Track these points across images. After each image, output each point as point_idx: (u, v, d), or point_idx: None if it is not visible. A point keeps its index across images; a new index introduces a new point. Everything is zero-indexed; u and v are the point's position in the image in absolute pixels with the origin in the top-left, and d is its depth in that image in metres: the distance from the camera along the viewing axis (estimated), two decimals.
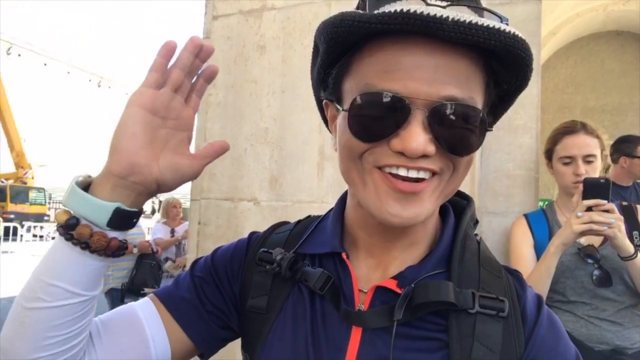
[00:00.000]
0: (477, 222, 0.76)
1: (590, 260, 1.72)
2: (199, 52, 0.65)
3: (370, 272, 0.69)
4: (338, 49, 0.60)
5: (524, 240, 1.82)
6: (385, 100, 0.55)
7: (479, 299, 0.62)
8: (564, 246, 1.62)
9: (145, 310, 0.73)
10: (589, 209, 1.58)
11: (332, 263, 0.71)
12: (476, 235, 0.73)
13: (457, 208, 0.74)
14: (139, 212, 0.66)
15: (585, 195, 1.61)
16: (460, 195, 0.76)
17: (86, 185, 0.63)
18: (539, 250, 1.79)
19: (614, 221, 1.54)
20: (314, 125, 2.17)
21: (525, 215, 1.89)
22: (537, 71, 1.97)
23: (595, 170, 1.78)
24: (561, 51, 6.28)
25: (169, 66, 0.65)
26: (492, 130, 0.70)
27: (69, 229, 0.60)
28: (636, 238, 1.72)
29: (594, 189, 1.60)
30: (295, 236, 0.77)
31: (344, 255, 0.69)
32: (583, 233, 1.58)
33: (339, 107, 0.63)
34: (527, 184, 2.00)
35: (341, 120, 0.62)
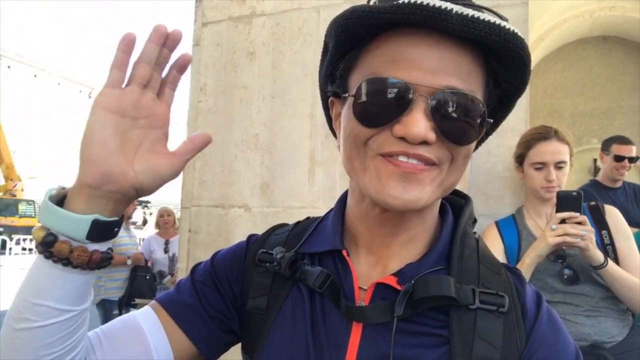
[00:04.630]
0: (475, 220, 0.76)
1: (559, 260, 1.77)
2: (165, 41, 0.61)
3: (370, 269, 0.69)
4: (347, 43, 0.62)
5: (494, 247, 1.85)
6: (389, 86, 0.57)
7: (479, 294, 0.62)
8: (539, 258, 1.69)
9: (147, 318, 0.73)
10: (563, 221, 1.65)
11: (332, 261, 0.71)
12: (475, 233, 0.73)
13: (456, 207, 0.74)
14: (119, 221, 0.63)
15: (559, 208, 1.68)
16: (459, 194, 0.77)
17: (61, 198, 0.60)
18: (509, 254, 1.85)
19: (586, 233, 1.62)
20: (305, 130, 2.17)
21: (496, 222, 1.94)
22: None
23: (565, 175, 1.83)
24: (550, 56, 6.37)
25: (134, 60, 0.61)
26: (491, 133, 0.72)
27: (47, 246, 0.57)
28: (605, 237, 1.78)
29: (567, 201, 1.67)
30: (295, 236, 0.78)
31: (344, 253, 0.69)
32: (557, 245, 1.65)
33: (345, 95, 0.64)
34: (517, 186, 2.01)
35: (346, 109, 0.64)
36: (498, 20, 0.54)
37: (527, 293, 0.66)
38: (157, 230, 5.46)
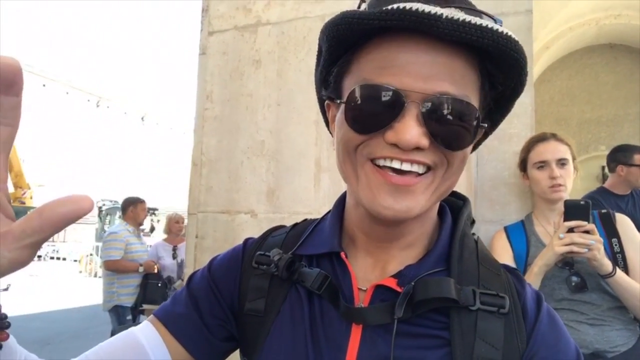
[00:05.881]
0: (473, 221, 0.76)
1: (566, 267, 1.76)
2: None
3: (369, 271, 0.69)
4: (339, 48, 0.61)
5: (502, 253, 1.86)
6: (381, 93, 0.56)
7: (480, 295, 0.62)
8: (546, 267, 1.68)
9: (147, 334, 0.71)
10: (571, 230, 1.64)
11: (330, 263, 0.70)
12: (473, 234, 0.73)
13: (454, 208, 0.74)
14: None
15: (567, 217, 1.67)
16: (456, 195, 0.76)
17: None
18: (518, 260, 1.84)
19: (594, 243, 1.60)
20: (310, 137, 2.19)
21: (505, 228, 1.93)
22: (530, 80, 1.99)
23: (569, 174, 1.83)
24: (555, 64, 6.36)
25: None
26: (489, 134, 0.70)
27: None
28: (615, 245, 1.76)
29: (575, 210, 1.66)
30: (293, 238, 0.77)
31: (342, 255, 0.69)
32: (564, 254, 1.65)
33: (338, 100, 0.63)
34: (523, 192, 2.00)
35: (339, 114, 0.63)
36: (490, 24, 0.53)
37: (527, 293, 0.66)
38: (165, 237, 5.48)
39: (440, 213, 0.73)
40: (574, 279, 1.74)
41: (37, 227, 0.41)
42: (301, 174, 2.18)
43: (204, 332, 0.74)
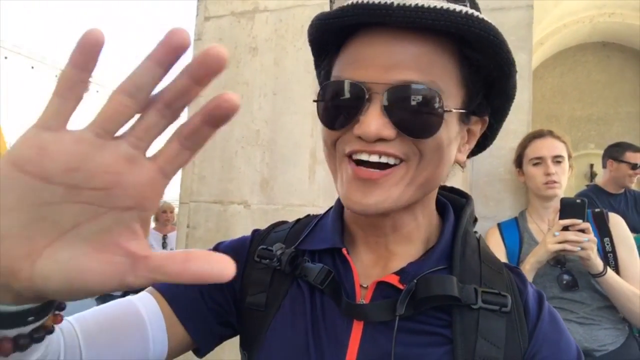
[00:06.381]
0: (476, 219, 0.76)
1: (558, 265, 1.77)
2: (194, 68, 0.35)
3: (370, 268, 0.69)
4: (320, 51, 0.65)
5: (495, 249, 1.85)
6: (345, 88, 0.57)
7: (482, 294, 0.62)
8: (538, 264, 1.69)
9: (147, 306, 0.68)
10: (565, 228, 1.64)
11: (332, 259, 0.70)
12: (475, 232, 0.73)
13: (457, 206, 0.74)
14: (28, 311, 0.40)
15: (562, 215, 1.67)
16: (459, 193, 0.77)
17: None
18: (510, 257, 1.85)
19: (587, 241, 1.61)
20: (306, 128, 2.17)
21: (499, 224, 1.94)
22: (528, 77, 1.99)
23: (564, 171, 1.84)
24: (548, 61, 6.39)
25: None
26: (497, 128, 0.71)
27: None
28: (607, 245, 1.77)
29: (570, 208, 1.67)
30: (295, 233, 0.77)
31: (344, 251, 0.68)
32: (557, 252, 1.65)
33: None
34: (518, 189, 2.01)
35: None
36: (448, 5, 0.52)
37: (528, 292, 0.66)
38: (154, 225, 5.42)
39: (443, 211, 0.73)
40: (565, 277, 1.75)
41: (174, 273, 0.35)
42: (296, 165, 2.16)
43: (205, 315, 0.73)
